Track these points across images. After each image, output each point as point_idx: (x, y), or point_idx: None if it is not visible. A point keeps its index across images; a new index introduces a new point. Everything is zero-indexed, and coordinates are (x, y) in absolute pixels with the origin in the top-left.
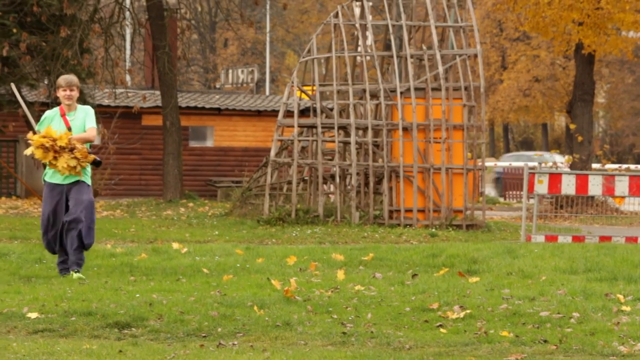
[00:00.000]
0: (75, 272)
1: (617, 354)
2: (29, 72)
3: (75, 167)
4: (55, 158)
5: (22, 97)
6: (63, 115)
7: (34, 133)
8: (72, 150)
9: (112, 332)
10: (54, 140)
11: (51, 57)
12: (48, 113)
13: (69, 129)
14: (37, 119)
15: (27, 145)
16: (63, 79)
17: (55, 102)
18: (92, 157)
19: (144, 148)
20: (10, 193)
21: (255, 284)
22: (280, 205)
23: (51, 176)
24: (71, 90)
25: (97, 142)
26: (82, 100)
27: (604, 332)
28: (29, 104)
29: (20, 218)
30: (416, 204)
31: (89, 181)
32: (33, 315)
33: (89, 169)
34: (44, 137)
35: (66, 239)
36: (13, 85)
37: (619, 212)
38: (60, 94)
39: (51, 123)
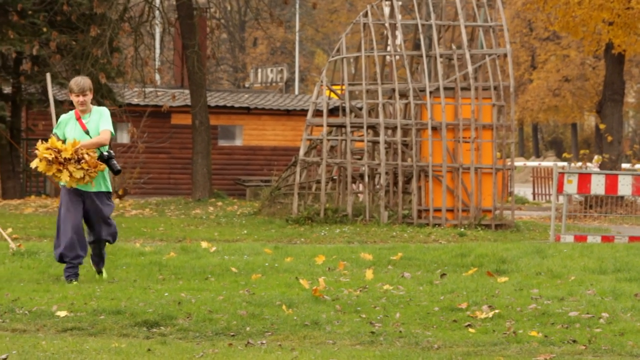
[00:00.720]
0: (98, 271)
1: None
2: (59, 70)
3: (83, 178)
4: (59, 170)
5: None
6: (79, 118)
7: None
8: (79, 160)
9: (140, 331)
10: (58, 151)
11: (81, 56)
12: (63, 117)
13: (87, 132)
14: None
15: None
16: (75, 85)
17: None
18: (102, 166)
19: (173, 147)
20: (39, 192)
21: (283, 283)
22: (309, 205)
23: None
24: (84, 95)
25: (126, 140)
26: (112, 99)
27: (633, 332)
28: (57, 103)
29: (49, 217)
30: (445, 203)
31: (109, 188)
32: (62, 313)
33: (107, 174)
34: (48, 148)
35: (93, 252)
36: (48, 76)
37: None
38: (73, 99)
39: (66, 127)
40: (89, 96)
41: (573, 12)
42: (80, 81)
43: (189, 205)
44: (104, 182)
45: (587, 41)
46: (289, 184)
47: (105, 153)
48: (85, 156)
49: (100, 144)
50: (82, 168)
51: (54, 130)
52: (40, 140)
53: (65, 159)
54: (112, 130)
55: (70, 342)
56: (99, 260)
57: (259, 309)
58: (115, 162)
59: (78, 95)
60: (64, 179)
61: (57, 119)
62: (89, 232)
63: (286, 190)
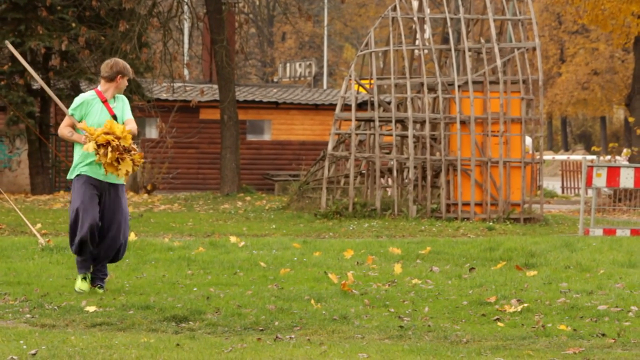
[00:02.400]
0: (99, 287)
1: None
2: (88, 66)
3: (128, 173)
4: (117, 160)
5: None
6: (105, 101)
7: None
8: (129, 151)
9: (169, 326)
10: (118, 138)
11: (110, 52)
12: (85, 97)
13: (114, 117)
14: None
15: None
16: (127, 69)
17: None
18: (141, 154)
19: (201, 142)
20: (68, 187)
21: (312, 277)
22: (338, 199)
23: (89, 169)
24: (124, 78)
25: (154, 136)
26: (141, 94)
27: None
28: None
29: None
30: (474, 197)
31: (124, 181)
32: (91, 308)
33: None
34: (107, 133)
35: (100, 247)
36: (8, 43)
37: None
38: (123, 84)
39: (90, 109)
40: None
41: (602, 5)
42: (127, 64)
43: (217, 200)
44: None
45: (616, 34)
46: (317, 179)
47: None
48: (134, 146)
49: (134, 133)
50: (132, 160)
51: (70, 111)
52: (83, 122)
53: (124, 147)
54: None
55: (99, 337)
56: (102, 275)
57: (287, 304)
58: None
59: (125, 78)
60: (126, 169)
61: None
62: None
63: (314, 185)
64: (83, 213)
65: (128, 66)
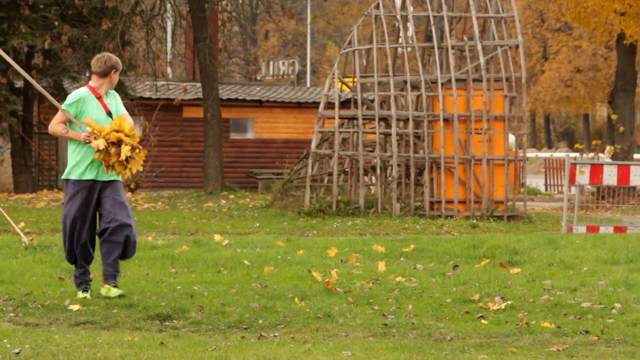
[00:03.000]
0: (113, 285)
1: None
2: (71, 64)
3: (132, 171)
4: (127, 160)
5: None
6: (99, 98)
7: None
8: (134, 149)
9: (153, 324)
10: (127, 136)
11: (93, 50)
12: (82, 93)
13: (109, 113)
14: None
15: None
16: (119, 63)
17: None
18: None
19: (185, 140)
20: (52, 186)
21: (296, 275)
22: (321, 197)
23: (83, 172)
24: (116, 73)
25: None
26: (124, 92)
27: None
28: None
29: (61, 211)
30: (457, 195)
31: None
32: (75, 307)
33: None
34: (117, 130)
35: (104, 247)
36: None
37: None
38: (115, 78)
39: (86, 105)
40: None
41: (585, 2)
42: (113, 58)
43: (201, 199)
44: None
45: (598, 32)
46: (301, 177)
47: None
48: (136, 143)
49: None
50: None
51: (65, 107)
52: (90, 117)
53: (132, 146)
54: None
55: (83, 336)
56: (113, 271)
57: (271, 302)
58: None
59: (117, 72)
60: (136, 168)
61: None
62: (105, 219)
63: (298, 183)
64: (72, 227)
65: (119, 60)
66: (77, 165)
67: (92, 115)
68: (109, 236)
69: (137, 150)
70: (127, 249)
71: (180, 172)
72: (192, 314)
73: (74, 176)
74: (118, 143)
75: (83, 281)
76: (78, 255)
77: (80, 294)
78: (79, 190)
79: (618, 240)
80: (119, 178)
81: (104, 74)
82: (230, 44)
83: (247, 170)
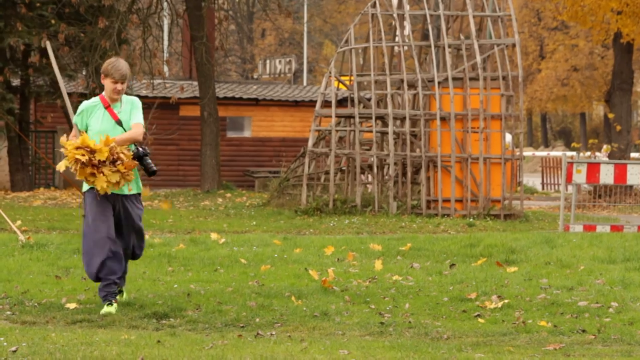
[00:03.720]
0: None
1: None
2: (67, 63)
3: (118, 183)
4: (92, 174)
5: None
6: (108, 107)
7: (69, 126)
8: (114, 161)
9: (150, 323)
10: (92, 152)
11: (89, 48)
12: (87, 104)
13: (118, 122)
14: (75, 108)
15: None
16: (117, 71)
17: (93, 93)
18: (135, 164)
19: (181, 139)
20: (48, 184)
21: (292, 274)
22: (318, 196)
23: None
24: (122, 83)
25: None
26: None
27: None
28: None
29: (58, 209)
30: (454, 193)
31: (140, 189)
32: (72, 305)
33: (137, 172)
34: (78, 147)
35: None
36: (48, 44)
37: None
38: (109, 86)
39: (91, 117)
40: (126, 85)
41: (581, 1)
42: (122, 66)
43: (197, 197)
44: (136, 183)
45: (595, 30)
46: (297, 175)
47: (141, 149)
48: (121, 155)
49: (134, 139)
50: (117, 171)
51: (74, 120)
52: (64, 135)
53: (99, 161)
54: (144, 124)
55: (80, 334)
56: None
57: (268, 300)
58: (150, 160)
59: (116, 82)
60: (100, 185)
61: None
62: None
63: (295, 182)
64: (96, 231)
65: (114, 66)
66: None
67: (97, 127)
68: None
69: (118, 162)
70: (124, 271)
71: (177, 170)
72: (189, 312)
73: (86, 187)
74: (76, 162)
75: (108, 292)
76: (106, 265)
77: (105, 309)
78: (94, 197)
79: (615, 239)
80: (133, 191)
81: (114, 82)
82: (226, 43)
83: (243, 168)
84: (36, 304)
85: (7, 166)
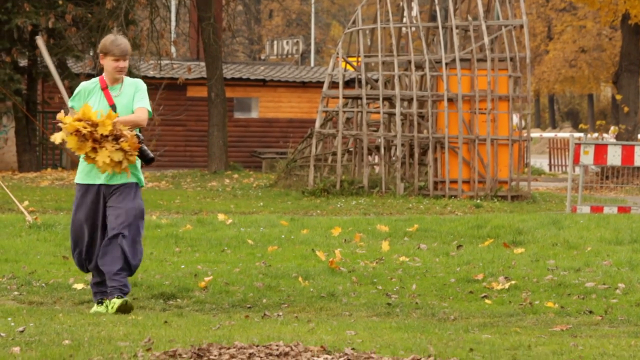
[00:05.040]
0: (118, 298)
1: None
2: (75, 43)
3: (120, 163)
4: (94, 150)
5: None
6: (105, 88)
7: (66, 110)
8: (117, 139)
9: (157, 303)
10: (94, 125)
11: (97, 29)
12: (85, 85)
13: (113, 107)
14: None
15: (57, 129)
16: (116, 47)
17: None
18: (137, 143)
19: (189, 119)
20: (55, 164)
21: (300, 255)
22: (325, 177)
23: (87, 175)
24: (125, 60)
25: None
26: (128, 72)
27: None
28: (73, 75)
29: (65, 189)
30: (461, 175)
31: (141, 180)
32: (79, 286)
33: (138, 163)
34: (80, 120)
35: (103, 259)
36: (40, 40)
37: None
38: (109, 63)
39: (88, 98)
40: (128, 62)
41: None
42: (122, 42)
43: (205, 178)
44: (135, 171)
45: (603, 12)
46: (304, 156)
47: (140, 135)
48: (125, 133)
49: (137, 123)
50: (121, 149)
51: (70, 103)
52: (62, 111)
53: (102, 135)
54: (150, 110)
55: (87, 315)
56: (118, 284)
57: (275, 281)
58: (146, 147)
59: (118, 60)
60: (102, 161)
61: (65, 89)
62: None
63: (302, 163)
64: (76, 234)
65: (114, 42)
66: (81, 166)
67: (93, 110)
68: (104, 248)
69: (122, 139)
70: (126, 259)
71: (184, 151)
72: (196, 293)
73: (77, 179)
74: (77, 133)
75: (99, 291)
76: (92, 269)
77: (95, 308)
78: (82, 195)
79: (622, 221)
80: (130, 180)
81: (115, 60)
82: (234, 23)
83: (251, 149)
84: (43, 285)
85: (15, 147)
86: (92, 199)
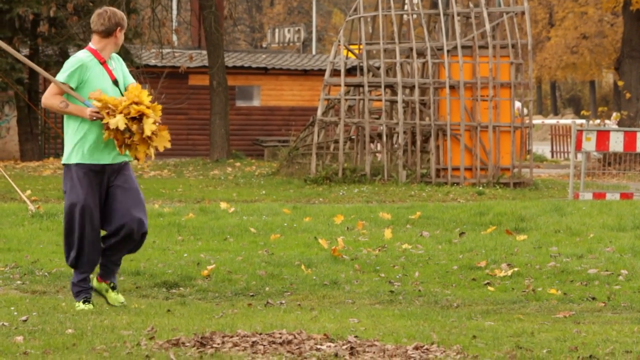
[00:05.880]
0: (112, 286)
1: None
2: (76, 32)
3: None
4: (150, 137)
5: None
6: (104, 63)
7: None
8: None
9: (160, 292)
10: (137, 103)
11: None
12: (82, 58)
13: (115, 82)
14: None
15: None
16: (125, 19)
17: None
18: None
19: (190, 108)
20: (58, 153)
21: (302, 243)
22: (327, 165)
23: (87, 155)
24: (122, 32)
25: None
26: (130, 60)
27: None
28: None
29: None
30: (463, 162)
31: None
32: None
33: None
34: (136, 102)
35: (114, 244)
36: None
37: None
38: (121, 38)
39: (89, 73)
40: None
41: None
42: (122, 13)
43: (207, 166)
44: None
45: None
46: (307, 144)
47: None
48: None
49: None
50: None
51: (63, 79)
52: (98, 90)
53: (142, 114)
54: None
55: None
56: (114, 267)
57: (278, 269)
58: None
59: (122, 31)
60: (161, 147)
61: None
62: (120, 215)
63: (304, 151)
64: (82, 218)
65: (124, 16)
66: (78, 145)
67: (97, 85)
68: (125, 234)
69: (158, 125)
70: (139, 245)
71: (186, 139)
72: (199, 281)
73: (75, 159)
74: (140, 118)
75: (83, 289)
76: (86, 255)
77: (81, 305)
78: (85, 174)
79: (624, 207)
80: (128, 159)
81: (107, 33)
82: (235, 12)
83: (253, 137)
84: (46, 274)
85: (17, 136)
86: (94, 181)
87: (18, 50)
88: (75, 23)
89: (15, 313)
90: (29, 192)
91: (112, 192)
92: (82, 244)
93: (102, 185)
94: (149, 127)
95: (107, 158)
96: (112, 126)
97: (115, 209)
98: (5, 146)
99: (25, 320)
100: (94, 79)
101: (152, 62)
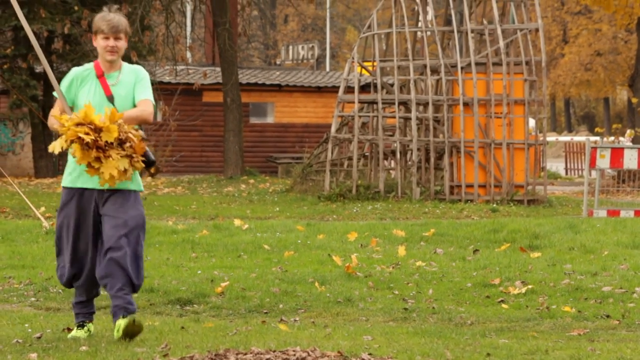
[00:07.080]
0: (123, 317)
1: None
2: (91, 49)
3: (125, 172)
4: (97, 159)
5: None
6: (100, 76)
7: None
8: (122, 143)
9: (174, 309)
10: (98, 130)
11: None
12: (77, 71)
13: (110, 98)
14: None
15: (52, 138)
16: (105, 22)
17: None
18: (144, 147)
19: (204, 125)
20: None
21: (316, 260)
22: (341, 181)
23: (78, 177)
24: (117, 39)
25: (158, 119)
26: None
27: None
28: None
29: None
30: (477, 179)
31: (139, 185)
32: None
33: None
34: (80, 124)
35: (104, 278)
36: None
37: None
38: (100, 43)
39: (81, 88)
40: (123, 42)
41: None
42: (113, 17)
43: (221, 183)
44: (135, 176)
45: (619, 15)
46: (320, 161)
47: (142, 132)
48: (130, 135)
49: (143, 119)
50: (126, 155)
51: (62, 91)
52: (55, 107)
53: (106, 142)
54: (154, 102)
55: (104, 320)
56: (123, 302)
57: (291, 286)
58: (148, 149)
59: (108, 37)
60: (108, 173)
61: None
62: (104, 240)
63: (318, 167)
64: (72, 235)
65: (103, 17)
66: (70, 168)
67: (85, 100)
68: (104, 265)
69: (128, 144)
70: (128, 275)
71: (200, 156)
72: (213, 298)
73: (66, 182)
74: (79, 141)
75: (81, 312)
76: (78, 286)
77: (74, 332)
78: (72, 197)
79: (639, 224)
80: (130, 187)
81: (104, 38)
82: (249, 29)
83: (266, 154)
84: (60, 291)
85: (31, 153)
86: (83, 205)
87: (33, 67)
88: (89, 40)
89: (30, 330)
90: (43, 208)
91: (103, 221)
92: (72, 266)
93: (91, 211)
94: (82, 153)
95: (96, 182)
96: (49, 149)
97: (103, 240)
98: (20, 163)
99: (39, 337)
100: (84, 94)
101: (166, 79)
